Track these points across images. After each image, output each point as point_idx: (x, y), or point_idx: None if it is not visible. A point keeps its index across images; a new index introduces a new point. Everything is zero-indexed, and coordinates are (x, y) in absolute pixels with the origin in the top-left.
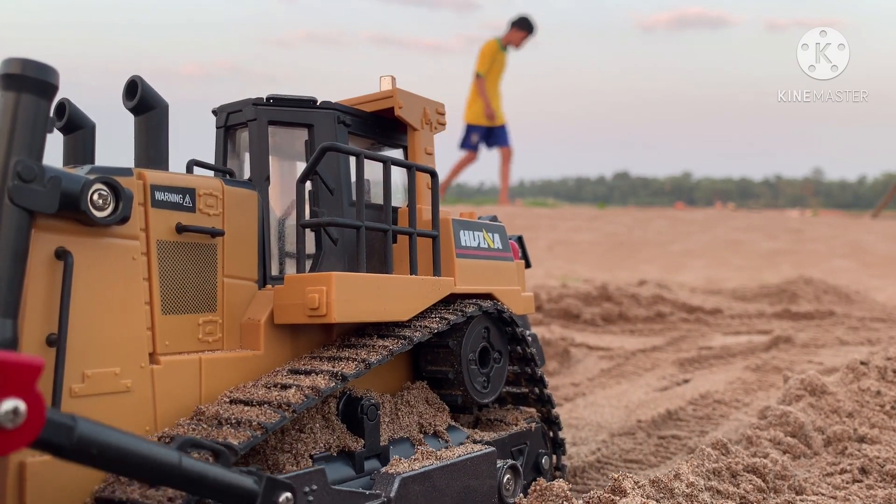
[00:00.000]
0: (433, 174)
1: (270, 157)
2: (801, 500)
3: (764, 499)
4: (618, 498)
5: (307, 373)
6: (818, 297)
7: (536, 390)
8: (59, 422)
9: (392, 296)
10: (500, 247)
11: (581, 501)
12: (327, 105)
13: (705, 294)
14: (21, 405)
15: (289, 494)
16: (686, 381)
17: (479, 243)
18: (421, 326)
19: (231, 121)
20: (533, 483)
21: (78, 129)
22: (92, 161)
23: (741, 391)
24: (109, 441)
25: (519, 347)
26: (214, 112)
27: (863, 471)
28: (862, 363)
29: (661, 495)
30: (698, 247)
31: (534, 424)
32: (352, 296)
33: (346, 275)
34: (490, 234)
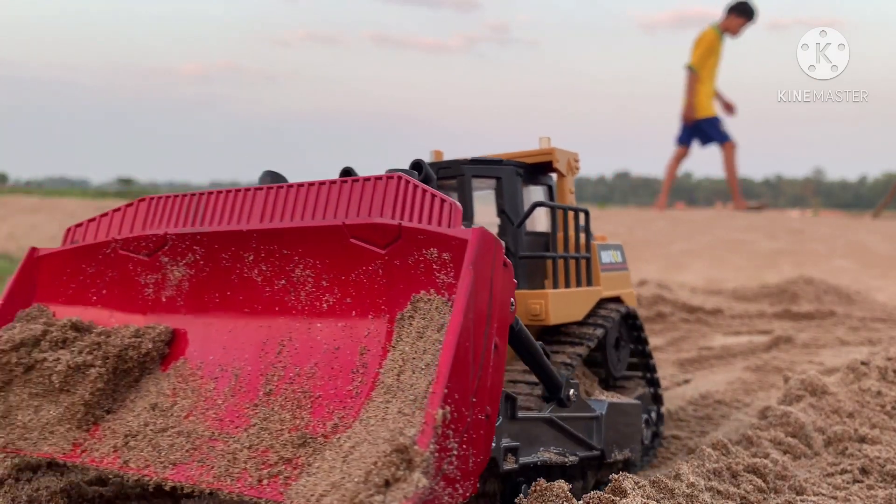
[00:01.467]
0: (587, 213)
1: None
2: (802, 501)
3: (764, 499)
4: (618, 498)
5: (575, 334)
6: (819, 298)
7: (647, 363)
8: (516, 316)
9: (576, 303)
10: (622, 261)
11: (581, 501)
12: (509, 163)
13: (706, 294)
14: (513, 300)
15: (574, 391)
16: (686, 382)
17: (611, 259)
18: (599, 323)
19: (441, 174)
20: (533, 483)
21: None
22: None
23: (741, 391)
24: (523, 328)
25: (637, 335)
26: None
27: (863, 471)
28: (862, 363)
29: (662, 495)
30: (699, 247)
31: (645, 390)
32: (558, 305)
33: (556, 291)
34: (616, 252)
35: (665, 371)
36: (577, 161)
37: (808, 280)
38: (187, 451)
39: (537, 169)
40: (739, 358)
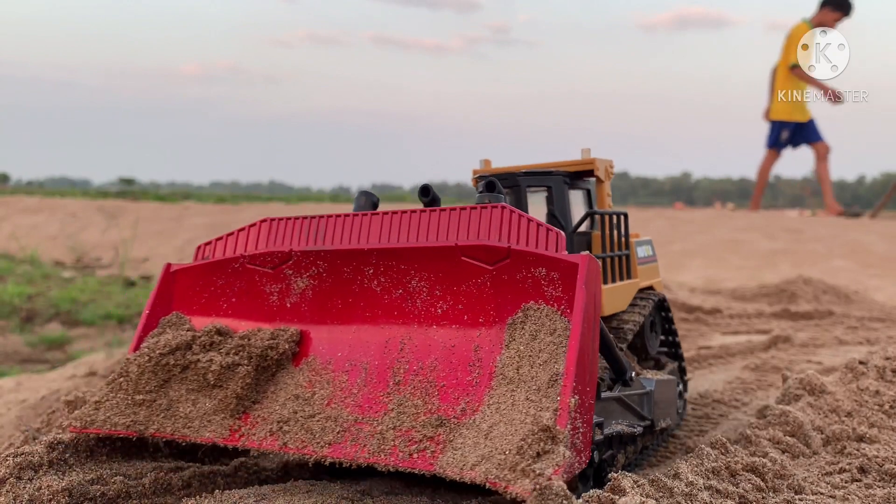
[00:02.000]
0: (626, 215)
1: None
2: (801, 500)
3: (763, 498)
4: (617, 497)
5: (622, 322)
6: (817, 297)
7: (675, 344)
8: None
9: (623, 294)
10: (652, 254)
11: (581, 500)
12: (558, 173)
13: (705, 294)
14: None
15: (634, 373)
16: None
17: (645, 254)
18: (640, 311)
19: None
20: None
21: (435, 203)
22: None
23: (740, 391)
24: (602, 324)
25: (667, 318)
26: (478, 180)
27: (862, 470)
28: (861, 363)
29: (661, 494)
30: (697, 247)
31: (674, 366)
32: (610, 298)
33: (607, 286)
34: (648, 247)
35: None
36: (612, 167)
37: (807, 280)
38: (338, 432)
39: (577, 175)
40: (738, 357)
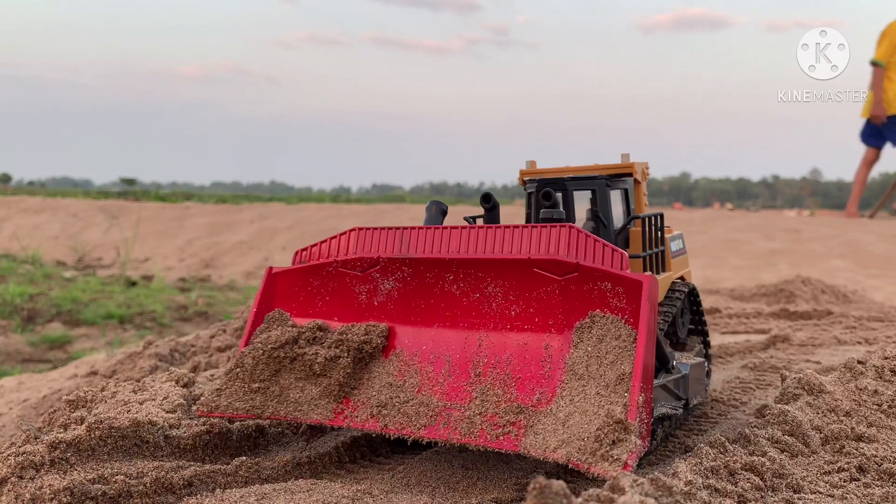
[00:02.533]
0: (662, 215)
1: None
2: (799, 499)
3: (762, 497)
4: (616, 496)
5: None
6: (816, 297)
7: (702, 328)
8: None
9: (660, 288)
10: (683, 247)
11: (580, 499)
12: (601, 177)
13: (703, 293)
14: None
15: (675, 362)
16: None
17: (677, 247)
18: (674, 301)
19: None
20: (532, 482)
21: (495, 209)
22: None
23: (739, 390)
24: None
25: (696, 305)
26: (526, 181)
27: (860, 469)
28: (859, 362)
29: (660, 493)
30: (696, 247)
31: (701, 347)
32: None
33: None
34: (679, 240)
35: None
36: (647, 169)
37: (805, 280)
38: (431, 416)
39: (617, 177)
40: (737, 357)
